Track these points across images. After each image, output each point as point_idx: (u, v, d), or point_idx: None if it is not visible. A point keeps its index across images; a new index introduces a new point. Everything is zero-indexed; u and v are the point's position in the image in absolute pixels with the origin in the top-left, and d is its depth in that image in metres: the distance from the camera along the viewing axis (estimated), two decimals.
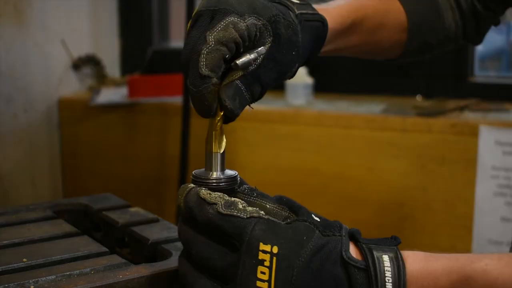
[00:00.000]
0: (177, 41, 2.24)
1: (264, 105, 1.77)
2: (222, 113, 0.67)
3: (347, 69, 1.93)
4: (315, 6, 0.79)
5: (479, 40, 1.03)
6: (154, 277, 0.68)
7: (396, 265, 0.62)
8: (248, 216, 0.62)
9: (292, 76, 0.75)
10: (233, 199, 0.64)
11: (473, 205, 1.53)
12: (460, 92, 1.78)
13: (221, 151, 0.68)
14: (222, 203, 0.63)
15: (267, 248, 0.61)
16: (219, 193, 0.64)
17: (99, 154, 1.97)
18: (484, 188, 1.52)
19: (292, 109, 1.72)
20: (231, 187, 0.67)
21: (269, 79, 0.69)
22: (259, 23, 0.67)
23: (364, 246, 0.63)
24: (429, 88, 1.82)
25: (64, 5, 1.98)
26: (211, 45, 0.64)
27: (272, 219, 0.63)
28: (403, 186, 1.60)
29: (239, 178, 0.69)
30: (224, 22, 0.65)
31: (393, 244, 0.64)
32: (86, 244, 0.77)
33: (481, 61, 1.89)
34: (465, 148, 1.53)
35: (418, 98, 1.82)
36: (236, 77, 0.66)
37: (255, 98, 0.69)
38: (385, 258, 0.62)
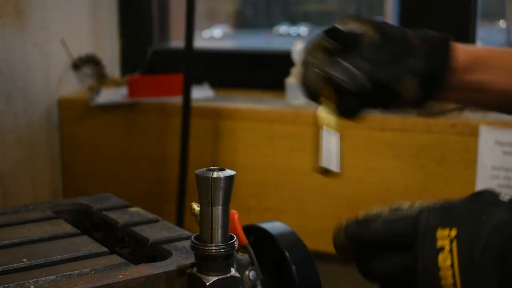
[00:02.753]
0: (177, 41, 2.24)
1: (264, 105, 1.77)
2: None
3: None
4: None
5: None
6: (154, 277, 0.68)
7: None
8: (418, 210, 0.61)
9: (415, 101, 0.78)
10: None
11: None
12: None
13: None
14: (386, 211, 0.62)
15: (445, 232, 0.59)
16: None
17: (99, 154, 1.96)
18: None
19: (292, 109, 1.72)
20: (230, 252, 0.68)
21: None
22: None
23: None
24: None
25: (64, 5, 1.98)
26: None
27: (446, 204, 0.61)
28: (403, 186, 1.60)
29: (236, 244, 0.69)
30: None
31: None
32: (86, 244, 0.77)
33: None
34: (465, 148, 1.53)
35: None
36: None
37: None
38: None
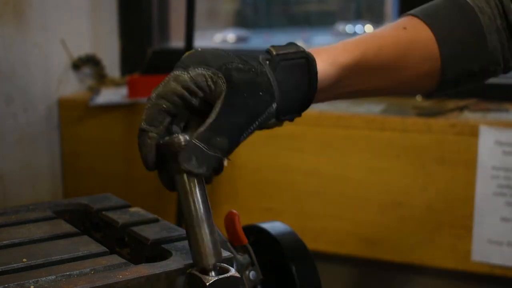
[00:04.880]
0: (177, 41, 2.24)
1: None
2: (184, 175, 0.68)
3: None
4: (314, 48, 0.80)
5: None
6: (154, 277, 0.68)
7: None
8: None
9: (275, 117, 0.76)
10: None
11: (473, 205, 1.53)
12: (460, 92, 1.78)
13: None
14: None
15: None
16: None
17: (99, 154, 1.96)
18: (484, 188, 1.52)
19: None
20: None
21: (235, 126, 0.71)
22: (208, 72, 0.69)
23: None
24: None
25: (64, 5, 1.98)
26: (152, 100, 0.70)
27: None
28: (403, 186, 1.60)
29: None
30: (167, 78, 0.69)
31: None
32: (86, 244, 0.77)
33: None
34: (465, 148, 1.53)
35: (418, 98, 1.82)
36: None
37: (225, 149, 0.71)
38: None
